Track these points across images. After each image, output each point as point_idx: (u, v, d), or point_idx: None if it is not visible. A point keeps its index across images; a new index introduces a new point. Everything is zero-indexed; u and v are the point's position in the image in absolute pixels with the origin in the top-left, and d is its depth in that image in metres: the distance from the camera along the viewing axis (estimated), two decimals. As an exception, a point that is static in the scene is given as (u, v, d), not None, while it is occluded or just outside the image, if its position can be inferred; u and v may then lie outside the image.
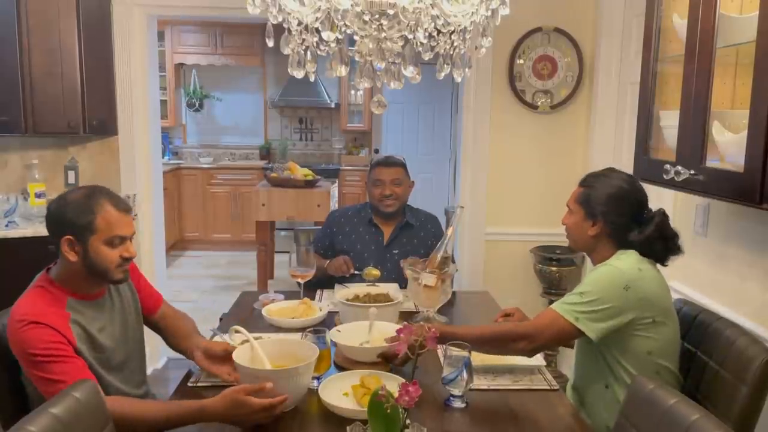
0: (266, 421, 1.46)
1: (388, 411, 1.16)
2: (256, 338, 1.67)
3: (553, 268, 3.49)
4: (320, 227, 2.99)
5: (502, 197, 3.65)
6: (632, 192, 1.81)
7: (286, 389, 1.46)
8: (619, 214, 1.79)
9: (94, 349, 1.66)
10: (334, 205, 5.10)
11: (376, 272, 2.55)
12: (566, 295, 1.76)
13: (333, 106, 7.00)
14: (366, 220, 2.80)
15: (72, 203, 1.63)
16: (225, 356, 1.71)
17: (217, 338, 1.93)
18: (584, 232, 1.86)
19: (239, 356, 1.58)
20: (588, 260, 3.48)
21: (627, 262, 1.73)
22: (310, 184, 4.85)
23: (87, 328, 1.65)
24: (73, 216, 1.61)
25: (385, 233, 2.78)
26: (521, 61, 3.54)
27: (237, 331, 1.69)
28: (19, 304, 1.61)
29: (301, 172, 4.92)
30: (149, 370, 2.92)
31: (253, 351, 1.63)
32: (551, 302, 3.56)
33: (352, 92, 7.02)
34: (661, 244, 1.76)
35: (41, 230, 3.16)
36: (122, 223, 1.66)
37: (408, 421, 1.22)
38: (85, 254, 1.62)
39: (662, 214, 1.78)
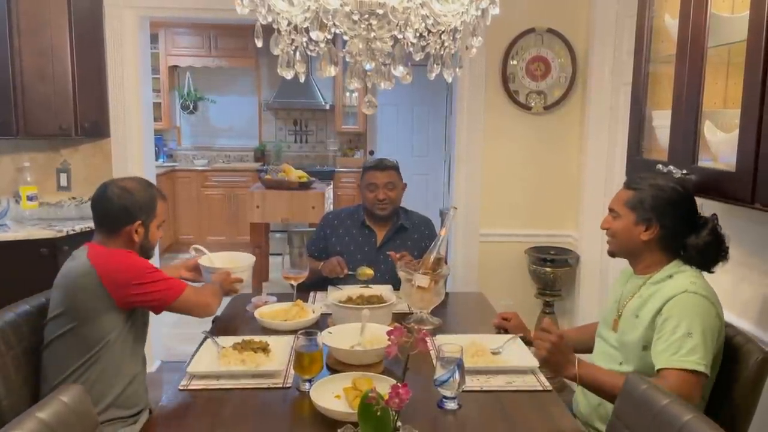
0: (231, 290, 2.26)
1: (379, 413, 1.15)
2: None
3: (548, 269, 3.49)
4: (314, 229, 2.98)
5: (497, 198, 3.65)
6: (686, 195, 1.73)
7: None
8: (674, 219, 1.71)
9: None
10: (328, 206, 5.09)
11: (369, 272, 2.55)
12: (666, 341, 1.59)
13: (327, 107, 6.99)
14: (359, 222, 2.79)
15: (137, 193, 1.93)
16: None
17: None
18: (635, 237, 1.76)
19: (203, 261, 2.34)
20: (582, 262, 3.50)
21: (701, 286, 1.65)
22: (304, 186, 4.84)
23: None
24: (143, 203, 1.93)
25: (379, 235, 2.77)
26: (514, 62, 3.54)
27: (197, 249, 2.39)
28: (95, 254, 1.86)
29: (295, 174, 4.91)
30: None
31: (212, 261, 2.35)
32: (546, 303, 3.60)
33: (347, 94, 7.01)
34: (715, 249, 1.70)
35: (33, 233, 3.14)
36: (166, 209, 2.05)
37: (399, 424, 1.21)
38: (146, 236, 1.96)
39: (715, 219, 1.73)
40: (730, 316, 1.92)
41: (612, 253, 1.90)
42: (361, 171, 2.85)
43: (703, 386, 1.58)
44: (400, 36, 1.35)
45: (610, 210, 1.84)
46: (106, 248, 1.90)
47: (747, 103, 1.53)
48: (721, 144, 1.71)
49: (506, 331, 2.16)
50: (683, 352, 1.56)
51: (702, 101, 1.75)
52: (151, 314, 2.04)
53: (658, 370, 1.59)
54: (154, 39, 6.29)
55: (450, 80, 1.49)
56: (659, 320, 1.64)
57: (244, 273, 2.33)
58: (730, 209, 2.06)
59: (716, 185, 1.69)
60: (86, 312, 1.82)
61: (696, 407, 1.32)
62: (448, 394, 1.60)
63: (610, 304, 1.94)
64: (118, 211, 1.90)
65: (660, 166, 1.89)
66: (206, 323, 2.27)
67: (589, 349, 2.00)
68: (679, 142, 1.84)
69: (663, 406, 1.32)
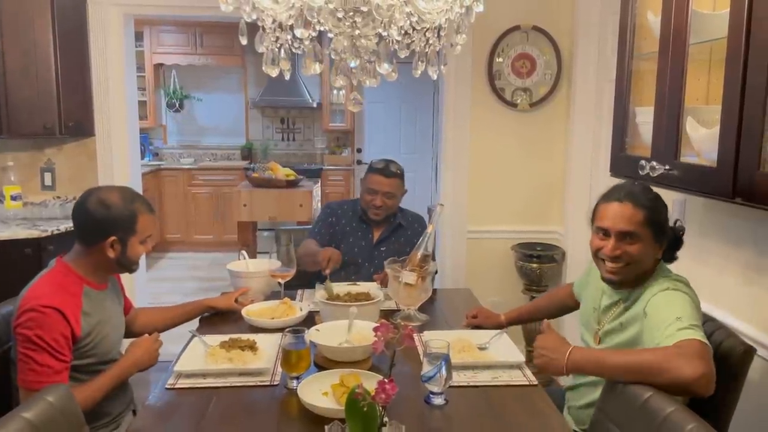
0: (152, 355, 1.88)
1: (365, 409, 1.16)
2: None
3: (534, 265, 3.51)
4: (308, 224, 2.96)
5: (483, 195, 3.67)
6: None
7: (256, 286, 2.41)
8: (667, 224, 1.70)
9: (92, 337, 1.78)
10: (316, 205, 5.08)
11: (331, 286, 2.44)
12: (658, 330, 1.51)
13: (315, 105, 6.97)
14: (357, 216, 2.79)
15: (114, 208, 1.79)
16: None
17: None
18: (652, 258, 1.67)
19: (231, 265, 2.46)
20: (569, 257, 3.52)
21: (682, 284, 1.65)
22: (291, 184, 4.83)
23: (93, 316, 1.79)
24: (121, 219, 1.80)
25: (375, 232, 2.77)
26: (500, 60, 3.55)
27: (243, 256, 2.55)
28: (41, 284, 1.73)
29: (282, 172, 4.90)
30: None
31: (247, 266, 2.47)
32: (533, 299, 3.62)
33: (334, 92, 6.99)
34: (680, 242, 1.74)
35: (18, 233, 3.11)
36: (153, 224, 1.91)
37: (386, 419, 1.21)
38: (123, 252, 1.82)
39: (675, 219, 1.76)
40: (710, 309, 1.95)
41: (619, 283, 1.70)
42: (367, 168, 2.81)
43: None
44: (384, 33, 1.36)
45: (624, 234, 1.64)
46: (64, 270, 1.78)
47: (727, 99, 1.55)
48: (702, 140, 1.73)
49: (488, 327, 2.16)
50: (679, 329, 1.48)
51: (684, 97, 1.77)
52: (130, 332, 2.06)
53: None
54: (139, 37, 6.22)
55: (435, 77, 1.49)
56: (645, 322, 1.62)
57: (254, 281, 2.39)
58: (713, 204, 2.09)
59: (698, 181, 1.71)
60: None
61: (680, 400, 1.34)
62: (434, 389, 1.61)
63: (589, 307, 1.90)
64: (93, 225, 1.80)
65: (643, 162, 1.91)
66: (195, 322, 2.26)
67: (559, 312, 2.17)
68: (662, 138, 1.86)
69: (646, 399, 1.34)
